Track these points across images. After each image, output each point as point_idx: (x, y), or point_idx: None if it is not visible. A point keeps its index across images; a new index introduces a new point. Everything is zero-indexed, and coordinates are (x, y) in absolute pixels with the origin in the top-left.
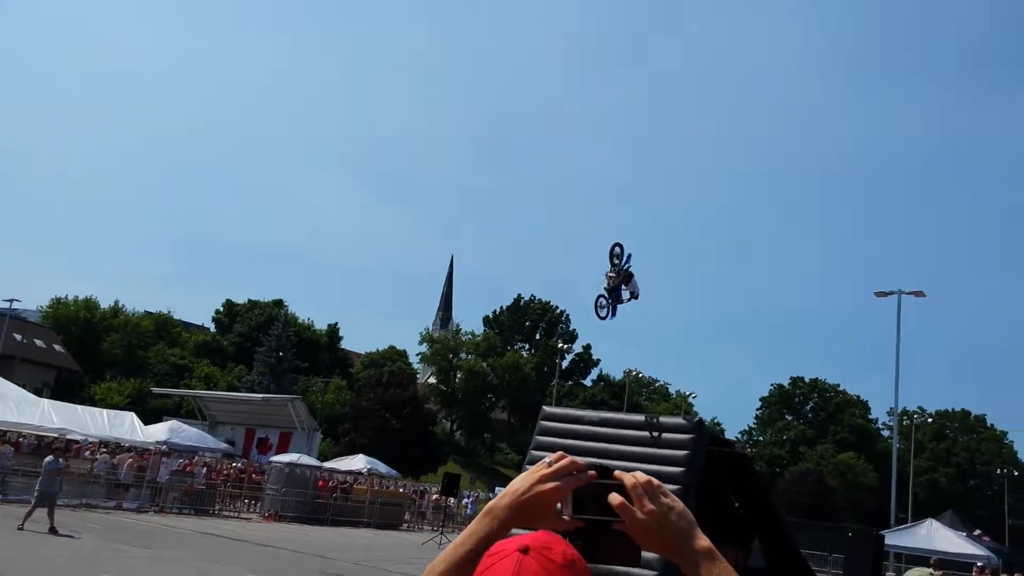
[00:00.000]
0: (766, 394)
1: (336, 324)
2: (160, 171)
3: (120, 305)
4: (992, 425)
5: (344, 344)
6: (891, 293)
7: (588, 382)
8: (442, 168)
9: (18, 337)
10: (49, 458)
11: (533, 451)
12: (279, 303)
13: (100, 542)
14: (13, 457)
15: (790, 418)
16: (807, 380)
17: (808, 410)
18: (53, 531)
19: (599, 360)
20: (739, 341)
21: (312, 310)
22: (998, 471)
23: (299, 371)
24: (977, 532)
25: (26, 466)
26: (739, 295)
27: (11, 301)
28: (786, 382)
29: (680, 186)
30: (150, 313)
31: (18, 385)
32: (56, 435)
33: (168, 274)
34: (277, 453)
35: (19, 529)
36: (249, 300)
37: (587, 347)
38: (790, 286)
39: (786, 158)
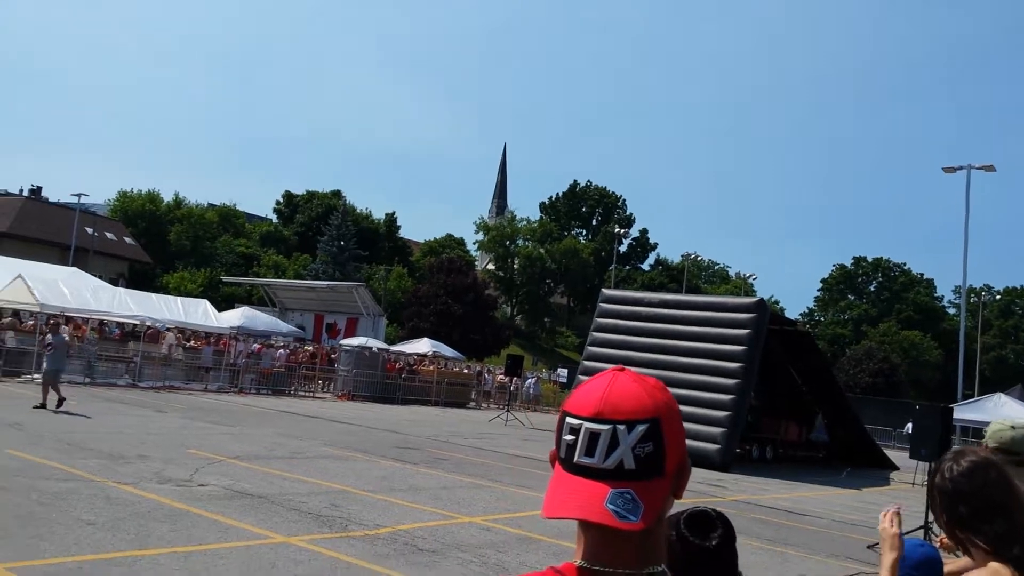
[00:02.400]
0: (827, 276)
1: (394, 214)
2: (217, 66)
3: (182, 197)
4: None
5: (402, 233)
6: (960, 168)
7: (646, 266)
8: (494, 56)
9: (89, 230)
10: (49, 335)
11: (594, 332)
12: (337, 193)
13: (185, 420)
14: (97, 343)
15: (852, 298)
16: (870, 260)
17: (871, 290)
18: (60, 404)
19: (656, 244)
20: (800, 222)
21: (370, 200)
22: None
23: (360, 259)
24: None
25: (108, 351)
26: (800, 175)
27: (79, 195)
28: (848, 263)
29: (741, 63)
30: (213, 205)
31: (95, 276)
32: (136, 322)
33: (228, 167)
34: (345, 337)
35: (35, 408)
36: (307, 191)
37: (644, 231)
38: (855, 165)
39: (853, 38)
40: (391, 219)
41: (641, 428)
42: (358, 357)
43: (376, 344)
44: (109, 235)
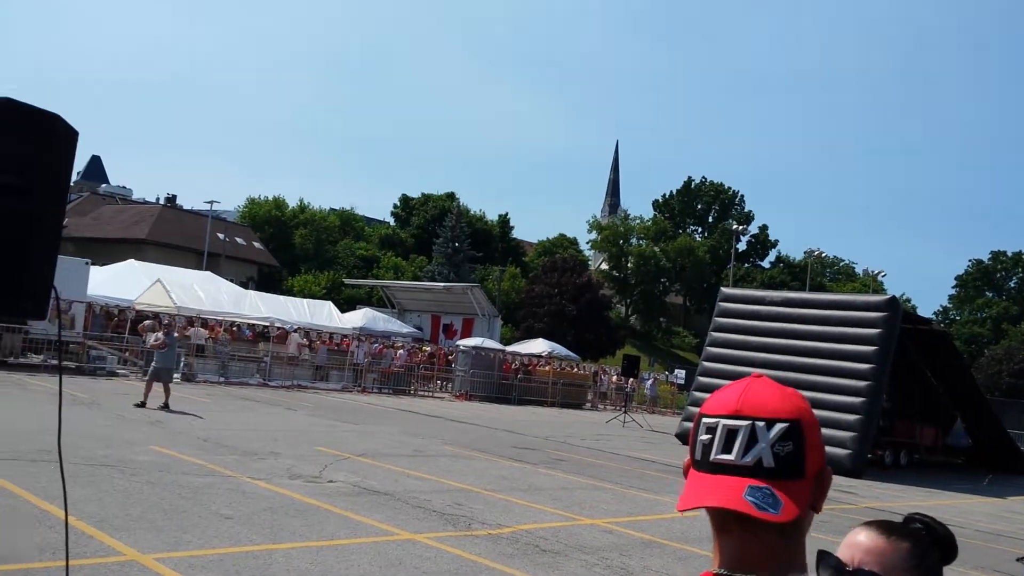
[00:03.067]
0: (962, 271)
1: (507, 214)
2: (335, 75)
3: (306, 203)
4: None
5: (515, 234)
6: None
7: (766, 264)
8: (606, 53)
9: (221, 236)
10: (159, 333)
11: (713, 332)
12: (451, 196)
13: (313, 418)
14: (230, 344)
15: (991, 295)
16: (1010, 254)
17: (1012, 286)
18: (165, 406)
19: (777, 241)
20: (931, 216)
21: (483, 202)
22: None
23: (474, 260)
24: None
25: (241, 352)
26: (931, 166)
27: (211, 203)
28: (985, 257)
29: (866, 44)
30: (334, 209)
31: (226, 279)
32: (266, 324)
33: (347, 172)
34: (461, 338)
35: (138, 405)
36: (423, 194)
37: (764, 228)
38: (991, 154)
39: (995, 25)
40: (504, 220)
41: (781, 426)
42: (474, 357)
43: (491, 344)
44: (239, 240)
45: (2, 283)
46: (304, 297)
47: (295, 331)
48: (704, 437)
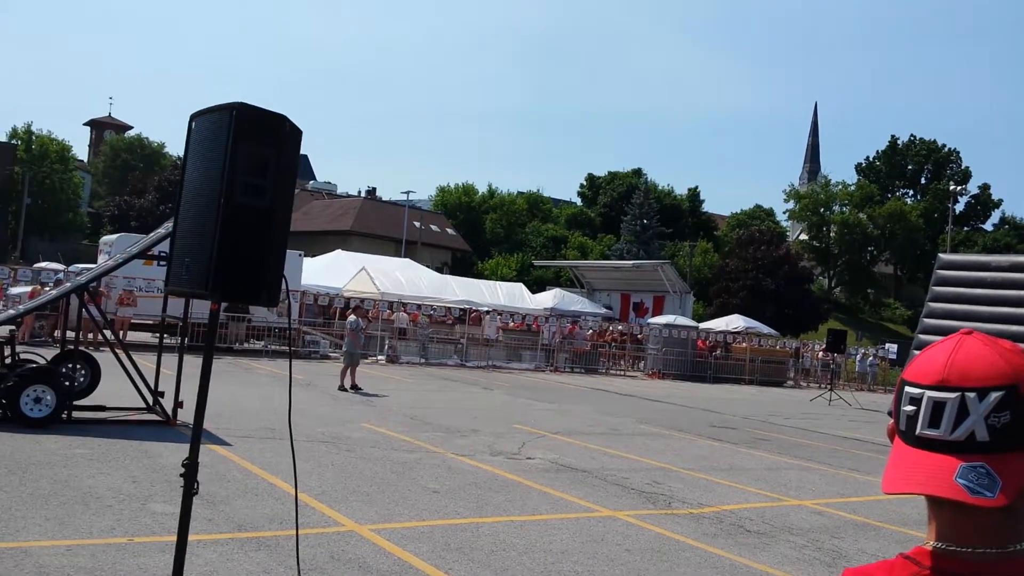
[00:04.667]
0: None
1: (696, 188)
2: (519, 59)
3: (494, 188)
4: None
5: (706, 207)
6: None
7: (988, 226)
8: (796, 9)
9: (417, 224)
10: (351, 318)
11: (930, 303)
12: (638, 172)
13: (509, 397)
14: (430, 326)
15: None
16: None
17: None
18: (355, 388)
19: (1000, 200)
20: None
21: (671, 176)
22: None
23: (664, 237)
24: None
25: (440, 334)
26: None
27: (408, 193)
28: None
29: None
30: (522, 193)
31: (423, 266)
32: (463, 307)
33: (533, 155)
34: (652, 316)
35: (339, 389)
36: (609, 172)
37: (984, 187)
38: None
39: None
40: (694, 194)
41: (995, 396)
42: (667, 336)
43: (684, 322)
44: (434, 227)
45: (248, 275)
46: (496, 280)
47: (488, 313)
48: (908, 408)
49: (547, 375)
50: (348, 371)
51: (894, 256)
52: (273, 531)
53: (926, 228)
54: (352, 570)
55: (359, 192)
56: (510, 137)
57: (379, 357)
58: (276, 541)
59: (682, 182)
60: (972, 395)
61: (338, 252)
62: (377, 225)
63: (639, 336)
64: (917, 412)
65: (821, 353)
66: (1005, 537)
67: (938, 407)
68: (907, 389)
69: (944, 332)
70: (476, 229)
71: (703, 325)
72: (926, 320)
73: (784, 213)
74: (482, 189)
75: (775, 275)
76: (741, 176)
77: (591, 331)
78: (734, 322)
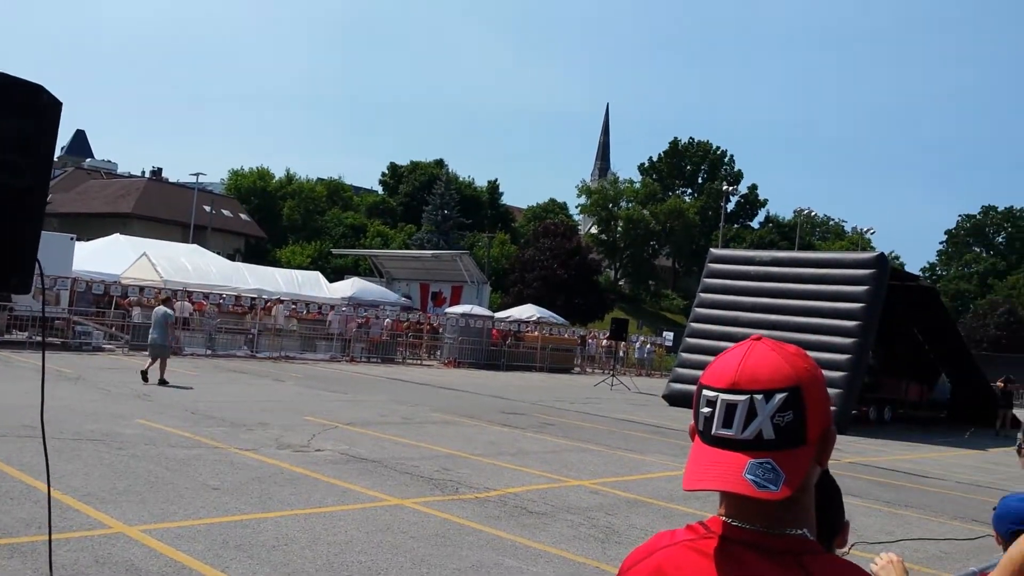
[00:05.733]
0: (952, 227)
1: (496, 180)
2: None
3: (292, 173)
4: None
5: (504, 200)
6: None
7: (755, 224)
8: (595, 13)
9: (207, 208)
10: (161, 308)
11: (701, 294)
12: (440, 163)
13: (301, 388)
14: (218, 316)
15: (978, 250)
16: (1001, 209)
17: (1001, 241)
18: (163, 382)
19: (766, 200)
20: (921, 172)
21: (472, 168)
22: None
23: (464, 228)
24: None
25: (228, 324)
26: (921, 120)
27: (197, 175)
28: (977, 212)
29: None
30: (322, 179)
31: (213, 252)
32: (254, 295)
33: (334, 141)
34: (450, 305)
35: (144, 382)
36: (411, 161)
37: (753, 187)
38: (982, 107)
39: None
40: (493, 186)
41: (780, 397)
42: (463, 325)
43: (480, 312)
44: (226, 212)
45: None
46: (292, 268)
47: (281, 302)
48: (705, 410)
49: (343, 365)
50: (158, 364)
51: (673, 250)
52: (30, 536)
53: (701, 224)
54: (118, 573)
55: (143, 172)
56: (311, 123)
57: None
58: (33, 547)
59: (483, 174)
60: (760, 397)
61: (116, 236)
62: (162, 208)
63: (436, 325)
64: (713, 413)
65: (605, 341)
66: (784, 523)
67: (730, 409)
68: (704, 392)
69: (714, 320)
70: (272, 215)
71: (499, 314)
72: (698, 309)
73: (576, 207)
74: (279, 174)
75: (567, 266)
76: (538, 170)
77: (388, 320)
78: (528, 311)
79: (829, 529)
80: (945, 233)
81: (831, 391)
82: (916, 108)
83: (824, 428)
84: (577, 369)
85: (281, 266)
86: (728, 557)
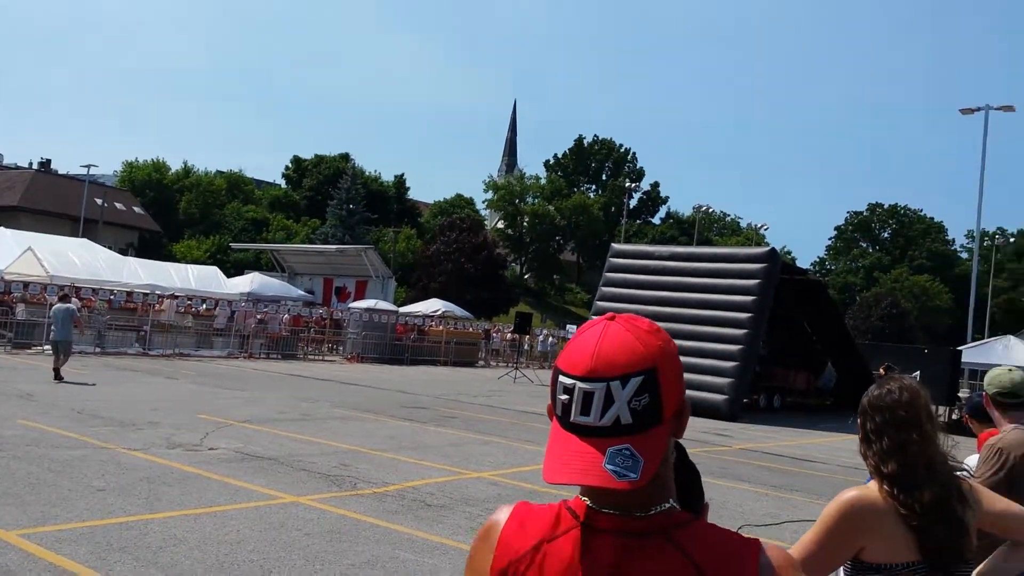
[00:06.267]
0: (841, 223)
1: (403, 175)
2: (220, 32)
3: (190, 166)
4: None
5: (411, 195)
6: (977, 109)
7: (656, 220)
8: (503, 11)
9: (99, 201)
10: (63, 305)
11: (603, 287)
12: (345, 157)
13: (195, 386)
14: (107, 312)
15: (865, 245)
16: (886, 206)
17: (886, 237)
18: (59, 378)
19: (667, 197)
20: (814, 171)
21: (378, 162)
22: None
23: (369, 222)
24: None
25: (119, 321)
26: (814, 123)
27: (88, 167)
28: (864, 209)
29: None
30: (221, 172)
31: (104, 247)
32: (146, 291)
33: (235, 134)
34: (355, 300)
35: (56, 380)
36: (316, 155)
37: (655, 185)
38: (870, 108)
39: None
40: (400, 181)
41: (636, 381)
42: (367, 320)
43: (385, 306)
44: (118, 205)
45: None
46: (189, 263)
47: (176, 297)
48: (563, 397)
49: (241, 362)
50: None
51: (577, 245)
52: None
53: (605, 220)
54: None
55: (30, 164)
56: (210, 115)
57: (45, 347)
58: None
59: (389, 169)
60: (616, 383)
61: (0, 230)
62: (51, 201)
63: (340, 320)
64: (570, 401)
65: (509, 335)
66: (650, 500)
67: (587, 396)
68: (561, 378)
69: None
70: (168, 208)
71: (404, 309)
72: (598, 303)
73: (483, 203)
74: (176, 166)
75: (474, 261)
76: (445, 166)
77: (287, 315)
78: (433, 305)
79: (690, 511)
80: (835, 229)
81: (724, 380)
82: (808, 110)
83: (679, 403)
84: (481, 363)
85: (177, 261)
86: (597, 548)
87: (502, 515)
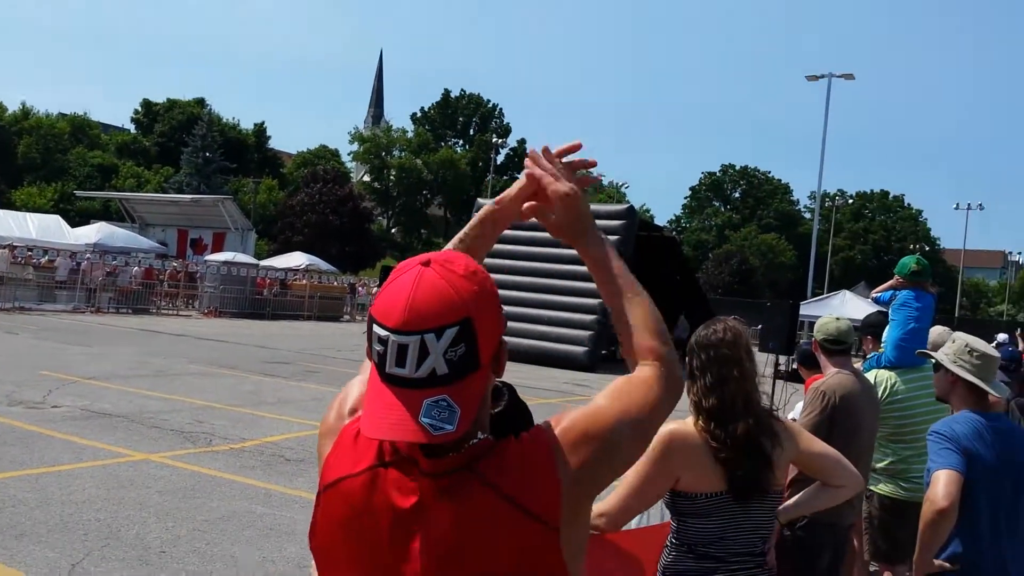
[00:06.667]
0: (695, 183)
1: (263, 123)
2: None
3: (29, 107)
4: (909, 204)
5: (273, 144)
6: (821, 76)
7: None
8: None
9: None
10: None
11: None
12: (200, 102)
13: (37, 340)
14: None
15: (718, 204)
16: (738, 168)
17: (736, 197)
18: None
19: None
20: (672, 132)
21: (237, 110)
22: (912, 247)
23: (228, 172)
24: None
25: None
26: (675, 85)
27: None
28: (717, 170)
29: None
30: (64, 115)
31: None
32: None
33: (79, 74)
34: (212, 253)
35: None
36: (168, 99)
37: (522, 141)
38: (722, 75)
39: None
40: (260, 129)
41: (451, 332)
42: (224, 273)
43: (244, 259)
44: None
45: None
46: (29, 212)
47: (12, 248)
48: (378, 347)
49: (87, 316)
50: None
51: (445, 200)
52: None
53: (472, 176)
54: None
55: None
56: (51, 53)
57: None
58: None
59: (249, 116)
60: (431, 336)
61: None
62: None
63: (195, 274)
64: (385, 351)
65: (375, 289)
66: (461, 441)
67: (402, 349)
68: (376, 329)
69: None
70: (6, 153)
71: (265, 262)
72: None
73: (349, 155)
74: (13, 107)
75: (339, 214)
76: (309, 116)
77: (137, 268)
78: (296, 259)
79: None
80: (689, 189)
81: (583, 333)
82: (669, 73)
83: (496, 346)
84: (347, 317)
85: (16, 209)
86: (400, 488)
87: (346, 426)
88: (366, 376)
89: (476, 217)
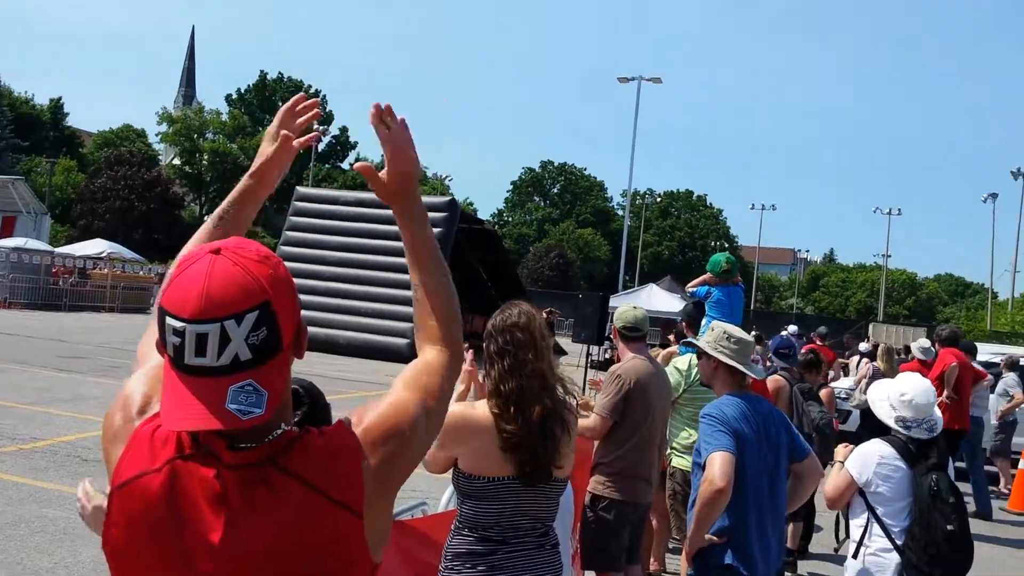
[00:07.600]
0: (516, 178)
1: (60, 99)
2: None
3: None
4: (711, 204)
5: (71, 122)
6: (632, 79)
7: (346, 166)
8: None
9: None
10: None
11: (288, 232)
12: None
13: None
14: None
15: (538, 200)
16: (556, 164)
17: (555, 192)
18: None
19: (357, 143)
20: (496, 127)
21: (29, 83)
22: (713, 244)
23: (19, 150)
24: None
25: None
26: (497, 81)
27: None
28: (537, 166)
29: None
30: None
31: None
32: None
33: None
34: (1, 238)
35: None
36: None
37: (344, 129)
38: (543, 73)
39: None
40: (57, 105)
41: (251, 317)
42: (15, 260)
43: (37, 246)
44: None
45: None
46: None
47: None
48: (174, 339)
49: None
50: None
51: None
52: None
53: (294, 163)
54: None
55: None
56: None
57: None
58: None
59: (44, 91)
60: (231, 322)
61: None
62: None
63: None
64: (183, 343)
65: None
66: (266, 430)
67: (201, 338)
68: (169, 320)
69: (300, 259)
70: None
71: (61, 249)
72: (283, 247)
73: (157, 136)
74: None
75: (145, 199)
76: (113, 93)
77: None
78: (97, 246)
79: None
80: (511, 184)
81: (407, 325)
82: (495, 67)
83: (296, 327)
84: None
85: None
86: (201, 483)
87: (139, 427)
88: (149, 373)
89: (233, 193)
